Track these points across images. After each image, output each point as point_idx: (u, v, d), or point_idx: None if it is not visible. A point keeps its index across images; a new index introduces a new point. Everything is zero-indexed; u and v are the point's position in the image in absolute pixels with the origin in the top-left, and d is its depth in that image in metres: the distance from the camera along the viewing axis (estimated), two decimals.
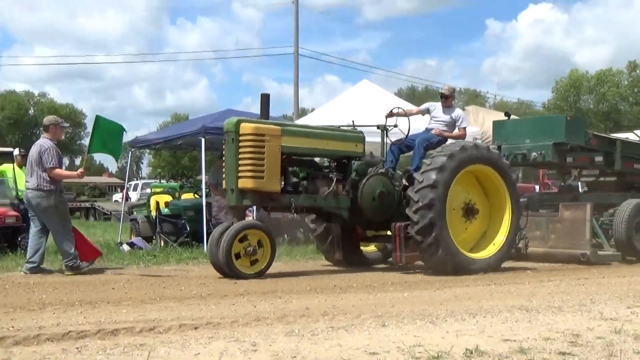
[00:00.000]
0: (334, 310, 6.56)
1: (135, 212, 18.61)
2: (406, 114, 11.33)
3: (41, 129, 10.38)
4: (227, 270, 9.30)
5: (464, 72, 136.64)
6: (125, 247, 14.14)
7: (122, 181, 58.62)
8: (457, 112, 11.84)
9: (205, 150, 14.53)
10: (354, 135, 10.95)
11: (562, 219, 12.14)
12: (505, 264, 11.17)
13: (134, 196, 41.95)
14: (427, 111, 11.97)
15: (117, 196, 58.10)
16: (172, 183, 28.83)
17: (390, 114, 11.36)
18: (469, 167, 10.50)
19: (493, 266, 10.55)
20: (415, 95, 68.53)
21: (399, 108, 11.47)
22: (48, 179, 9.98)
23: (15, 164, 14.22)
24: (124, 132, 10.84)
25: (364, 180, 10.51)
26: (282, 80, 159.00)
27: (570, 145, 12.67)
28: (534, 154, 12.52)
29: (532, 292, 8.25)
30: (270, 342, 5.09)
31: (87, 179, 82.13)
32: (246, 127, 9.62)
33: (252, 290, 8.20)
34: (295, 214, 11.01)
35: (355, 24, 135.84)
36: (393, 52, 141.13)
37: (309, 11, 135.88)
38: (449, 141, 11.31)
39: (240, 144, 9.56)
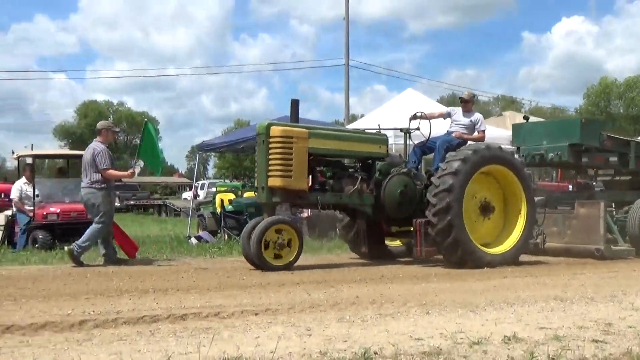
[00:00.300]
0: (382, 299, 6.52)
1: (202, 209, 18.85)
2: (428, 118, 11.19)
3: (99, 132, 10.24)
4: (257, 260, 9.25)
5: (501, 80, 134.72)
6: (193, 240, 14.30)
7: (190, 181, 59.24)
8: (477, 116, 11.57)
9: None
10: (378, 137, 10.88)
11: (577, 216, 11.82)
12: (525, 258, 10.93)
13: (201, 194, 42.39)
14: (448, 115, 11.74)
15: (186, 194, 58.84)
16: (235, 182, 29.05)
17: (414, 117, 11.22)
18: (483, 168, 10.29)
19: (510, 260, 10.30)
20: (455, 102, 67.82)
21: (421, 112, 11.28)
22: (100, 178, 10.06)
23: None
24: (161, 152, 11.10)
25: (387, 180, 10.44)
26: (334, 90, 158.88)
27: (586, 146, 12.35)
28: (551, 154, 12.23)
29: (566, 283, 8.08)
30: (323, 327, 5.08)
31: (159, 179, 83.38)
32: (276, 130, 9.60)
33: (306, 280, 8.20)
34: (320, 210, 10.90)
35: (400, 37, 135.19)
36: (435, 63, 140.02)
37: (359, 26, 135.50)
38: (469, 143, 11.10)
39: (270, 146, 9.54)
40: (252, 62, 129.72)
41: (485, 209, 10.51)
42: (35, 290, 7.16)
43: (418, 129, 11.04)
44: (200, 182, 49.84)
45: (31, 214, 13.08)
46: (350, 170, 10.77)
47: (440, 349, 4.33)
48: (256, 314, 5.66)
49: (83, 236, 9.97)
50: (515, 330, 4.89)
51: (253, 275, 8.75)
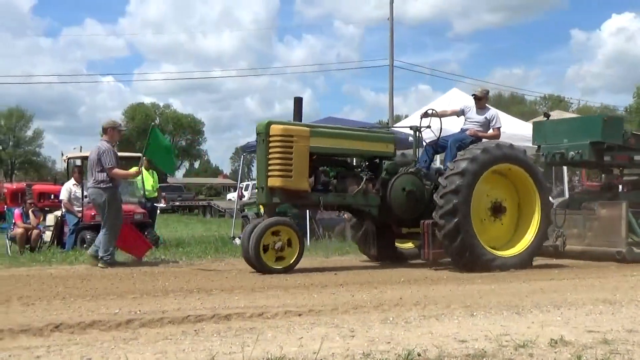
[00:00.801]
0: (426, 300, 6.48)
1: (246, 210, 18.94)
2: (440, 115, 10.77)
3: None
4: (256, 263, 9.02)
5: (548, 79, 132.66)
6: (237, 241, 14.38)
7: (235, 182, 59.76)
8: (491, 112, 11.15)
9: None
10: (385, 136, 10.58)
11: (598, 217, 11.29)
12: (546, 262, 10.61)
13: (246, 195, 42.71)
14: (462, 112, 11.32)
15: (231, 195, 59.25)
16: None
17: (425, 115, 10.79)
18: (493, 167, 9.86)
19: (523, 263, 9.85)
20: (501, 102, 66.92)
21: (432, 110, 10.89)
22: (106, 178, 10.00)
23: (142, 167, 14.69)
24: (175, 152, 11.13)
25: (393, 179, 10.04)
26: (379, 90, 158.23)
27: (608, 144, 11.76)
28: (572, 153, 11.66)
29: (615, 286, 7.90)
30: (367, 328, 5.07)
31: (204, 180, 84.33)
32: (275, 129, 9.32)
33: (350, 281, 8.19)
34: (322, 211, 10.68)
35: (446, 36, 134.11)
36: (481, 62, 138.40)
37: (403, 26, 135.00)
38: (484, 141, 10.66)
39: (270, 145, 9.29)
40: (296, 63, 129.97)
41: (497, 210, 10.12)
42: (83, 290, 7.30)
43: (429, 126, 10.62)
44: (244, 183, 50.10)
45: (79, 215, 13.34)
46: (356, 170, 10.50)
47: (485, 352, 4.28)
48: (299, 315, 5.67)
49: (101, 247, 9.92)
50: (562, 333, 4.80)
51: (296, 276, 8.77)
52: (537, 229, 10.14)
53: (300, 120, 9.93)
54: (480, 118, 11.00)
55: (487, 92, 11.46)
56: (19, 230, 13.69)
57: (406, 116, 39.73)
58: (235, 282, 8.10)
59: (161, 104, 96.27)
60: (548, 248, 11.15)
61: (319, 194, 9.75)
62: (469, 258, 9.41)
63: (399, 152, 11.16)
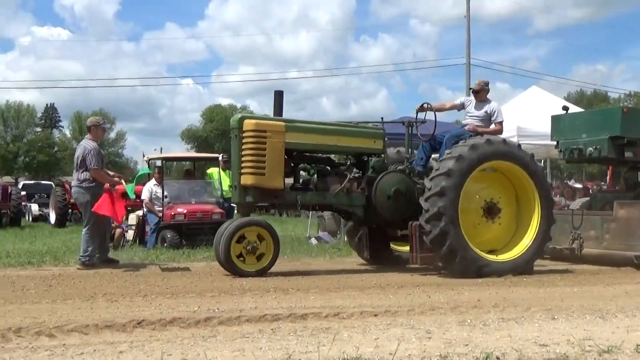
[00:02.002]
0: (504, 303, 6.36)
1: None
2: (437, 109, 10.04)
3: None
4: (227, 266, 8.65)
5: (635, 75, 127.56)
6: (313, 241, 14.45)
7: None
8: (492, 106, 10.16)
9: None
10: (372, 131, 9.87)
11: (616, 218, 10.35)
12: (561, 266, 10.07)
13: None
14: (462, 106, 10.43)
15: None
16: None
17: (421, 109, 9.99)
18: (484, 165, 9.15)
19: (522, 268, 9.05)
20: (584, 99, 65.09)
21: (428, 103, 10.02)
22: (89, 177, 9.78)
23: (220, 167, 14.96)
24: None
25: (379, 178, 9.42)
26: (455, 89, 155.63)
27: (628, 138, 10.79)
28: (590, 149, 10.90)
29: None
30: (443, 330, 5.02)
31: None
32: (248, 124, 8.88)
33: (426, 282, 8.12)
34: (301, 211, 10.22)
35: (525, 33, 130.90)
36: (563, 59, 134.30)
37: (481, 23, 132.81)
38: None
39: (243, 140, 8.85)
40: (372, 63, 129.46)
41: (491, 211, 9.38)
42: (164, 287, 7.50)
43: (424, 121, 9.96)
44: None
45: (160, 215, 13.66)
46: (341, 167, 9.84)
47: (567, 357, 4.17)
48: (375, 315, 5.66)
49: (82, 244, 9.73)
50: None
51: (373, 276, 8.75)
52: (536, 232, 9.36)
53: (281, 115, 9.40)
54: (480, 112, 10.14)
55: (486, 83, 10.43)
56: None
57: None
58: (312, 281, 8.15)
59: (239, 105, 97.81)
60: (564, 251, 10.63)
61: (297, 192, 9.31)
62: (459, 264, 8.72)
63: (394, 149, 10.55)
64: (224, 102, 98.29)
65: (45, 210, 24.82)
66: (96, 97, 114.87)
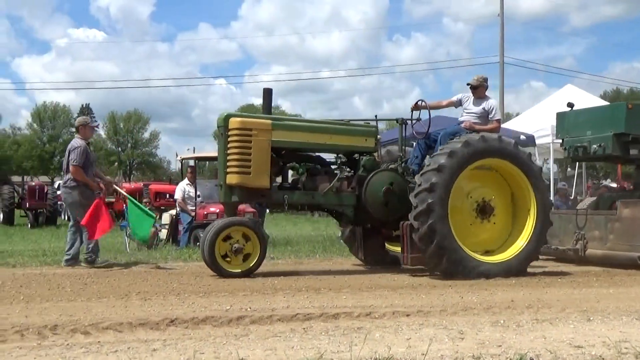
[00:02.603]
0: (539, 304, 6.30)
1: None
2: (433, 107, 9.86)
3: None
4: (212, 267, 8.50)
5: None
6: None
7: None
8: (490, 102, 9.83)
9: None
10: (363, 129, 9.64)
11: (620, 218, 9.94)
12: (565, 268, 9.84)
13: None
14: (460, 103, 10.07)
15: None
16: None
17: (416, 107, 9.74)
18: (477, 163, 8.84)
19: (515, 270, 8.70)
20: (619, 97, 64.03)
21: (422, 101, 9.80)
22: (71, 177, 9.71)
23: None
24: (154, 221, 10.73)
25: (369, 177, 9.19)
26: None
27: (633, 135, 10.45)
28: (594, 146, 10.53)
29: None
30: (476, 331, 4.98)
31: None
32: (233, 122, 8.72)
33: (459, 282, 8.05)
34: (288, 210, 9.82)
35: (560, 31, 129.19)
36: (598, 56, 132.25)
37: (515, 21, 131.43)
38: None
39: (229, 139, 8.70)
40: (405, 62, 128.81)
41: (484, 211, 9.06)
42: (196, 286, 7.56)
43: (419, 119, 9.70)
44: None
45: (193, 214, 13.78)
46: (332, 166, 9.61)
47: (603, 359, 4.11)
48: (408, 315, 5.64)
49: (66, 245, 9.70)
50: None
51: (405, 276, 8.72)
52: (531, 233, 9.00)
53: (269, 113, 9.30)
54: (478, 109, 9.80)
55: (485, 79, 10.06)
56: None
57: (517, 114, 38.77)
58: (343, 281, 8.15)
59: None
60: (567, 252, 10.39)
61: (285, 192, 9.16)
62: (447, 263, 8.43)
63: (390, 148, 10.36)
64: (257, 102, 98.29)
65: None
66: (130, 97, 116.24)
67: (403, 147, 9.76)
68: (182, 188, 14.37)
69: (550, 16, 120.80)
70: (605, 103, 16.40)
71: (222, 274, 8.41)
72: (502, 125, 17.11)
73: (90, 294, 6.97)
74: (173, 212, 14.69)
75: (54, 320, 5.32)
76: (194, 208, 13.87)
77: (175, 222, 14.30)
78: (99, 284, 7.77)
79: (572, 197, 17.27)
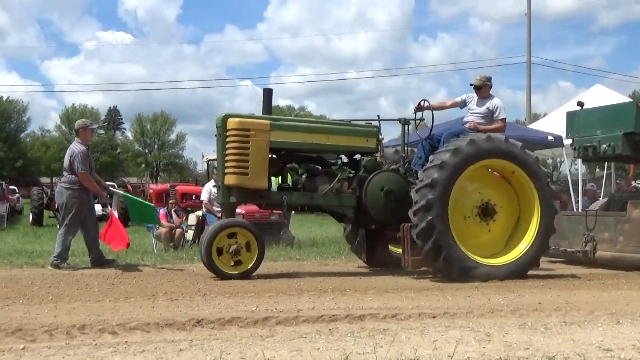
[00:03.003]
0: (567, 306, 6.23)
1: None
2: (437, 107, 9.72)
3: None
4: (209, 268, 8.42)
5: None
6: None
7: None
8: (494, 102, 9.62)
9: None
10: (364, 129, 9.48)
11: (630, 219, 9.64)
12: (574, 270, 9.65)
13: None
14: (464, 104, 9.92)
15: None
16: None
17: (419, 108, 9.57)
18: (481, 162, 8.66)
19: (516, 274, 8.49)
20: None
21: (425, 101, 9.60)
22: (73, 180, 9.69)
23: None
24: (155, 209, 11.04)
25: (370, 177, 9.06)
26: (516, 88, 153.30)
27: None
28: (604, 146, 10.22)
29: None
30: (503, 333, 4.94)
31: None
32: (231, 122, 8.66)
33: (486, 284, 8.00)
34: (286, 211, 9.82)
35: (589, 30, 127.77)
36: (627, 56, 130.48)
37: (543, 21, 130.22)
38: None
39: (227, 140, 8.64)
40: (431, 62, 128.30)
41: (486, 212, 8.86)
42: (222, 287, 7.59)
43: (422, 119, 9.56)
44: None
45: (219, 215, 13.83)
46: (332, 167, 9.42)
47: None
48: (434, 317, 5.61)
49: (56, 245, 9.69)
50: None
51: (430, 277, 8.68)
52: (534, 238, 8.76)
53: (269, 113, 9.22)
54: (482, 109, 9.64)
55: (488, 79, 9.84)
56: (163, 229, 14.38)
57: (545, 114, 38.43)
58: (369, 282, 8.13)
59: (296, 107, 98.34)
60: (576, 254, 10.16)
61: (284, 193, 9.06)
62: (443, 262, 8.26)
63: (392, 149, 10.22)
64: (282, 103, 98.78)
65: (108, 210, 25.43)
66: (157, 99, 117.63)
67: (406, 148, 9.62)
68: (209, 189, 14.42)
69: (579, 15, 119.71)
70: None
71: (218, 274, 8.36)
72: (530, 126, 16.98)
73: (118, 294, 7.04)
74: (199, 213, 14.75)
75: (82, 320, 5.38)
76: (220, 209, 13.91)
77: (201, 223, 14.36)
78: (126, 285, 7.84)
79: (600, 199, 17.06)
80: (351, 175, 9.28)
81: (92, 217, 10.18)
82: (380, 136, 9.54)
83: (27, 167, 71.48)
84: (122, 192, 12.90)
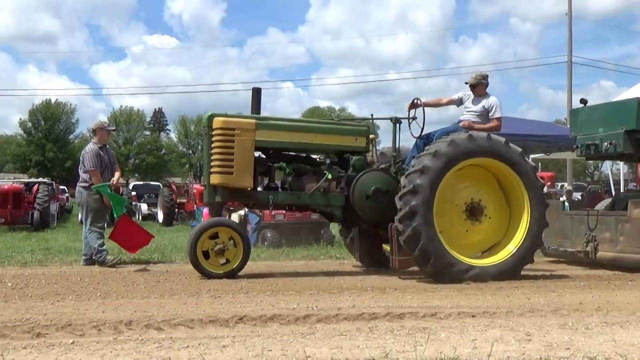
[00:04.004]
0: (608, 306, 6.11)
1: None
2: (431, 105, 9.55)
3: None
4: (195, 267, 8.33)
5: None
6: None
7: None
8: (490, 100, 9.34)
9: None
10: (353, 128, 9.33)
11: (630, 219, 9.27)
12: (575, 271, 9.36)
13: None
14: (461, 101, 9.64)
15: None
16: None
17: (412, 106, 9.32)
18: (464, 162, 8.35)
19: (507, 274, 8.21)
20: None
21: (418, 99, 9.33)
22: (85, 178, 9.92)
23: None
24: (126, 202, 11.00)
25: (358, 177, 8.87)
26: (557, 88, 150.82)
27: None
28: (605, 144, 9.90)
29: None
30: (544, 333, 4.88)
31: None
32: (216, 122, 8.59)
33: (525, 283, 7.89)
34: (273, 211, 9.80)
35: (631, 29, 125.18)
36: None
37: (585, 20, 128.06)
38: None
39: (212, 139, 8.59)
40: (471, 63, 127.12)
41: (474, 212, 8.57)
42: (264, 285, 7.63)
43: (415, 118, 9.24)
44: None
45: (261, 214, 13.91)
46: (320, 166, 9.26)
47: None
48: (473, 316, 5.57)
49: (92, 245, 9.76)
50: None
51: None
52: (525, 235, 8.47)
53: (258, 113, 9.09)
54: (478, 107, 9.37)
55: (484, 77, 9.56)
56: None
57: None
58: (408, 281, 8.10)
59: (337, 108, 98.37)
60: (577, 254, 9.83)
61: (270, 192, 8.91)
62: (432, 266, 8.01)
63: (385, 148, 9.93)
64: (323, 104, 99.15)
65: (153, 210, 25.77)
66: (201, 101, 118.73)
67: (397, 147, 9.38)
68: None
69: (621, 14, 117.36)
70: None
71: (203, 273, 8.30)
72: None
73: (163, 291, 7.14)
74: (242, 212, 14.83)
75: (129, 316, 5.46)
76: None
77: (243, 222, 14.45)
78: (171, 282, 7.94)
79: None
80: (340, 174, 9.12)
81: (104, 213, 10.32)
82: (371, 135, 9.41)
83: (76, 167, 72.87)
84: (118, 194, 12.61)
